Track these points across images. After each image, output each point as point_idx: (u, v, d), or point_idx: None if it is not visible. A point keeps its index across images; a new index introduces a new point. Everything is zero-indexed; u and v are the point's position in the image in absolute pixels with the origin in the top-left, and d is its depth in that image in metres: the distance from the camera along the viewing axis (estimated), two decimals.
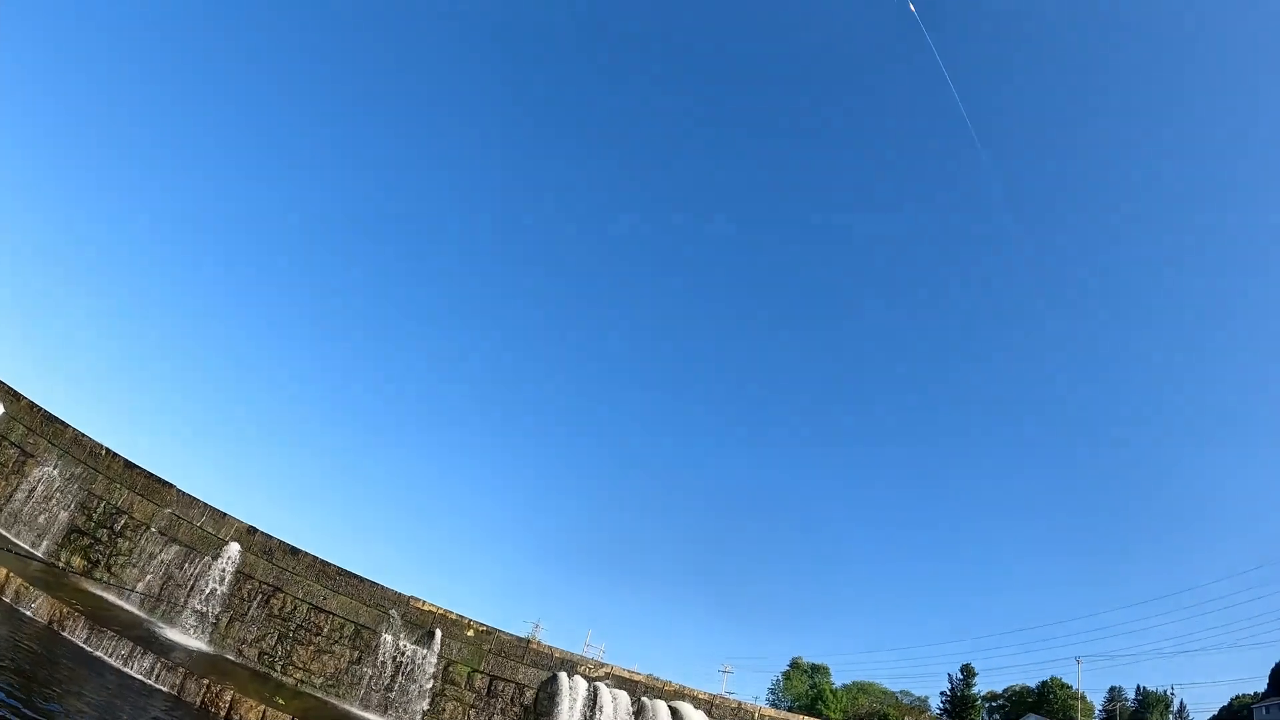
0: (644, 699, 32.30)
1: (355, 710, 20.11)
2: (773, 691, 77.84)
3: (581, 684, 29.89)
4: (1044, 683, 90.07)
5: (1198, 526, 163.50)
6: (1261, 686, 79.68)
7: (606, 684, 31.39)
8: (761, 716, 36.95)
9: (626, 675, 33.36)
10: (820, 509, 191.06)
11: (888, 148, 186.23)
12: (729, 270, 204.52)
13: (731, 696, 41.56)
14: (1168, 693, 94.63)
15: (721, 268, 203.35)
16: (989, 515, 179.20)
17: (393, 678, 20.97)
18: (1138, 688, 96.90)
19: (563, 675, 29.37)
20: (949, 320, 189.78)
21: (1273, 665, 79.43)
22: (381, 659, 21.13)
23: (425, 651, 22.45)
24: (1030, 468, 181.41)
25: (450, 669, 23.38)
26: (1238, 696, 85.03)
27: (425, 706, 21.34)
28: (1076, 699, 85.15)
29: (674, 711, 32.66)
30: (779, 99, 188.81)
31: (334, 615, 21.14)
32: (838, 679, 79.01)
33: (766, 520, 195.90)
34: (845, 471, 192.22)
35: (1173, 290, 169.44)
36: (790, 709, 57.33)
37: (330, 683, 20.34)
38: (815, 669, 78.84)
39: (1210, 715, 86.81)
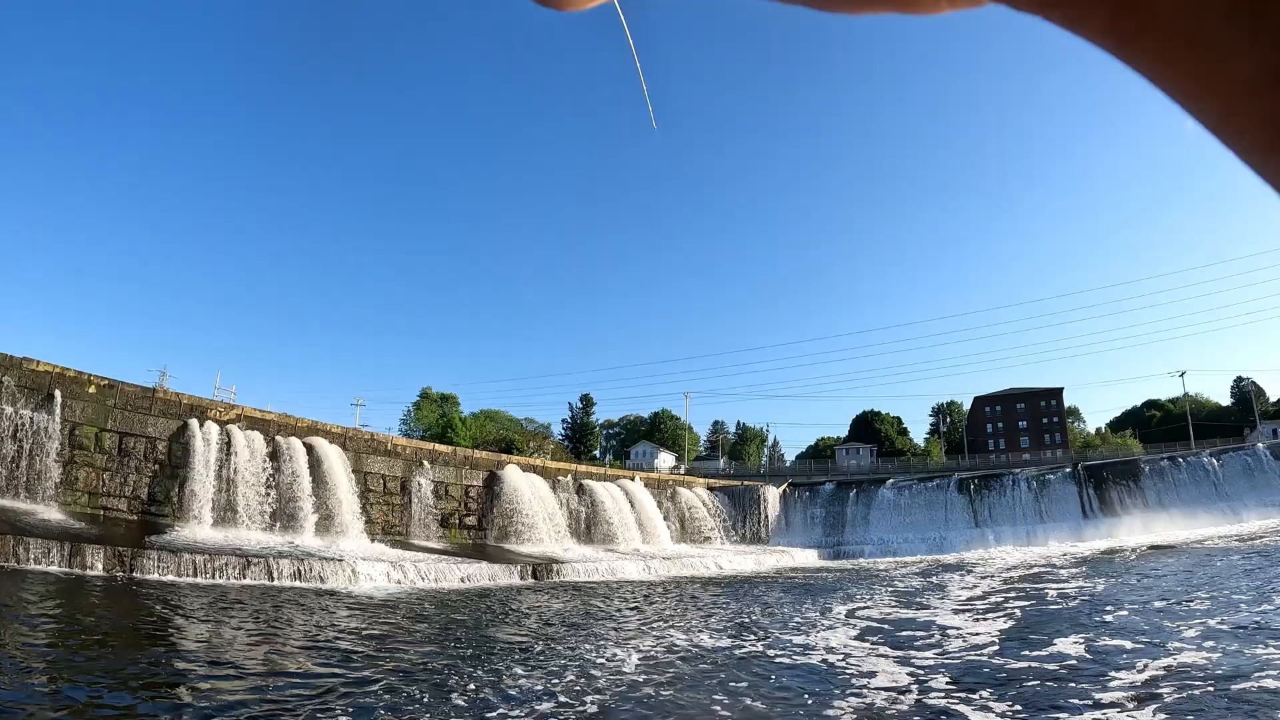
0: (278, 438, 37.55)
1: None
2: (404, 422, 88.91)
3: (214, 429, 33.86)
4: (655, 414, 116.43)
5: (797, 291, 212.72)
6: (844, 432, 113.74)
7: (239, 426, 35.75)
8: (394, 446, 45.12)
9: (259, 415, 37.99)
10: (438, 236, 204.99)
11: None
12: None
13: (365, 429, 48.86)
14: (764, 429, 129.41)
15: None
16: (604, 254, 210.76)
17: (17, 453, 22.41)
18: (738, 423, 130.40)
19: (194, 423, 32.98)
20: None
21: (853, 416, 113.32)
22: (3, 433, 22.23)
23: (47, 417, 23.91)
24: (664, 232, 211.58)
25: (77, 432, 25.33)
26: (823, 438, 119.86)
27: (57, 478, 23.45)
28: (685, 429, 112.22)
29: (309, 448, 38.60)
30: None
31: None
32: (466, 408, 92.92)
33: (386, 244, 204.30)
34: (461, 201, 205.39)
35: None
36: (422, 438, 67.69)
37: None
38: (445, 399, 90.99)
39: (799, 452, 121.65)
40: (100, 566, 22.26)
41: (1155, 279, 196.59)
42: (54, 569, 20.97)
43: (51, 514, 23.98)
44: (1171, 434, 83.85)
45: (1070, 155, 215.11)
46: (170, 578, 23.83)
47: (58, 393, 25.11)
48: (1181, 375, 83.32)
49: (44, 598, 18.35)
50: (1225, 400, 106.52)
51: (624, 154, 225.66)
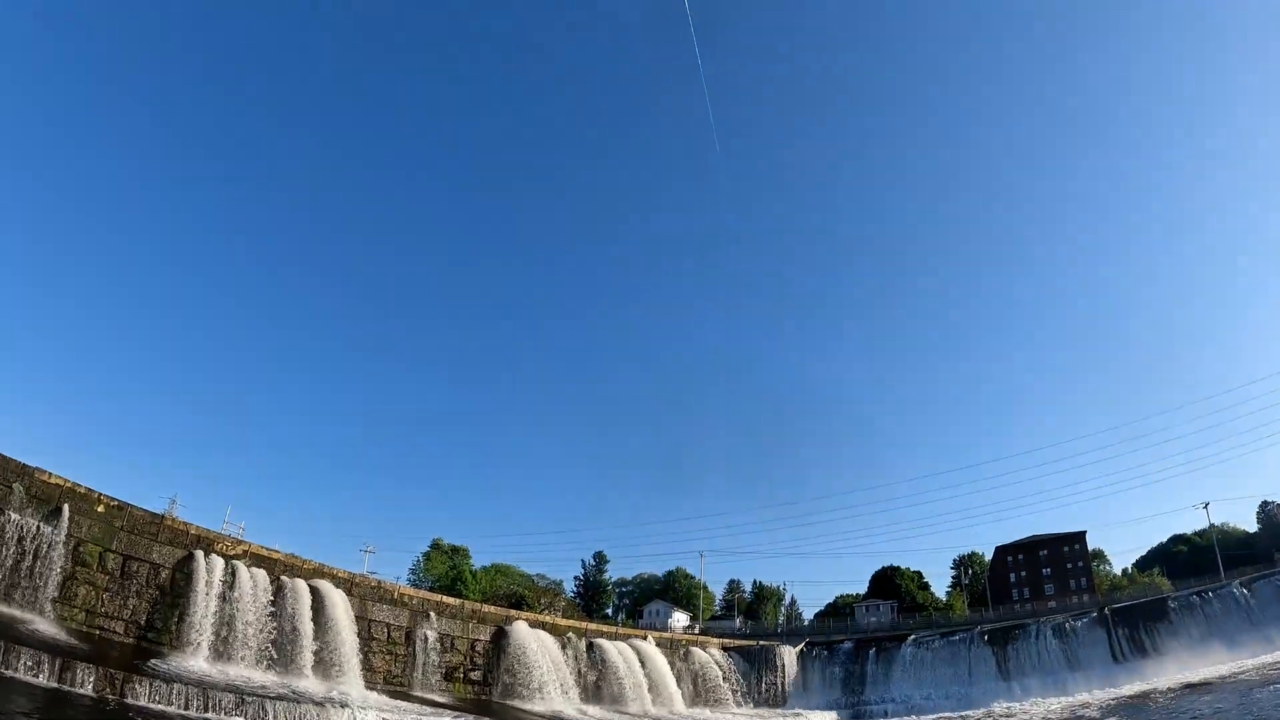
0: (284, 578, 37.05)
1: None
2: (414, 572, 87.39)
3: (219, 563, 33.52)
4: (670, 572, 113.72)
5: (812, 451, 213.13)
6: (863, 589, 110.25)
7: (245, 563, 35.40)
8: (401, 595, 44.17)
9: (265, 554, 37.67)
10: (454, 386, 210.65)
11: None
12: None
13: (373, 575, 48.07)
14: (781, 588, 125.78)
15: None
16: (619, 410, 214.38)
17: (19, 561, 22.34)
18: (754, 582, 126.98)
19: (199, 554, 32.73)
20: None
21: (873, 573, 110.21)
22: (6, 541, 22.31)
23: (53, 530, 24.02)
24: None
25: (81, 549, 25.30)
26: (842, 596, 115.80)
27: (56, 592, 23.19)
28: (699, 588, 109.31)
29: (314, 591, 37.93)
30: None
31: None
32: (477, 561, 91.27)
33: (406, 392, 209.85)
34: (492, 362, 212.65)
35: None
36: (431, 589, 66.21)
37: None
38: (455, 550, 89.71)
39: (818, 610, 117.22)
40: (90, 686, 21.65)
41: (1170, 413, 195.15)
42: (42, 682, 20.41)
43: (46, 626, 23.54)
44: (1200, 567, 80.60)
45: (1076, 291, 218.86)
46: (160, 706, 23.09)
47: (66, 507, 25.29)
48: (1205, 506, 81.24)
49: (28, 712, 17.86)
50: (1252, 527, 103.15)
51: (636, 302, 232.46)
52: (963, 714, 49.42)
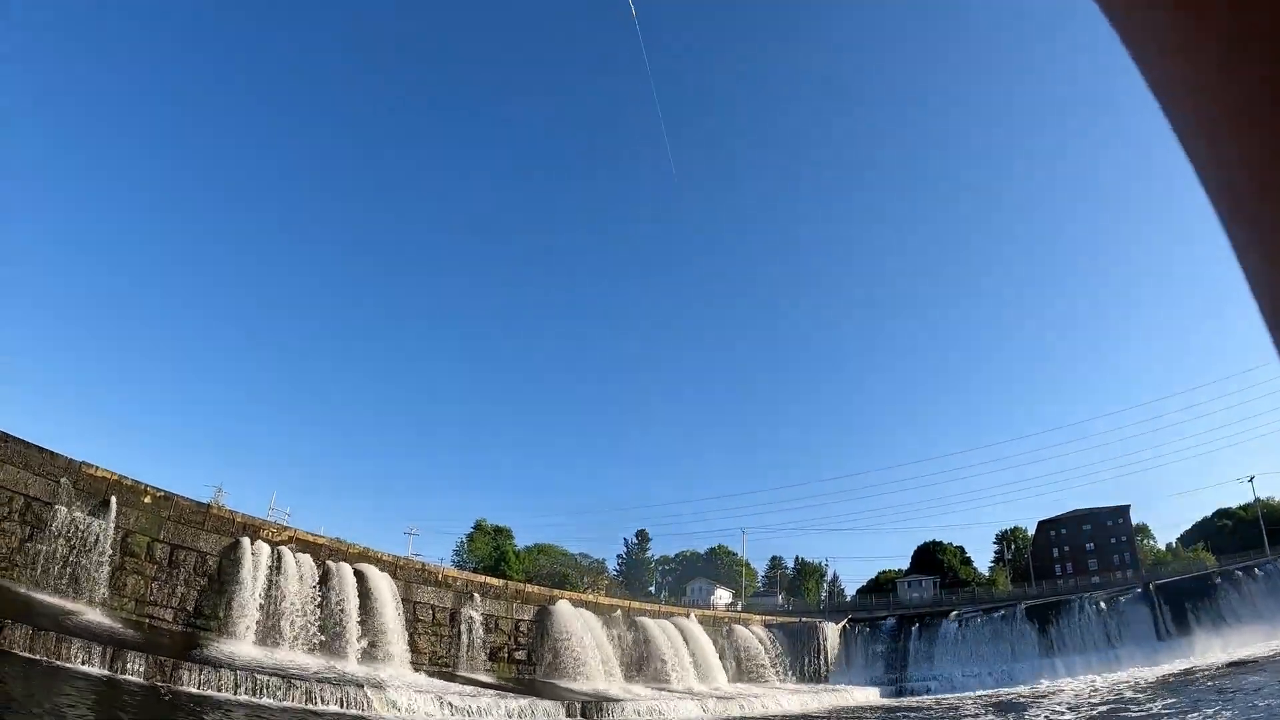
0: (329, 562, 37.68)
1: (32, 593, 22.31)
2: (457, 553, 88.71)
3: (265, 549, 34.22)
4: (712, 549, 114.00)
5: (851, 424, 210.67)
6: (905, 565, 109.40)
7: (290, 548, 36.07)
8: (445, 577, 44.74)
9: (310, 539, 38.33)
10: (496, 370, 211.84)
11: None
12: None
13: (417, 558, 48.81)
14: (822, 564, 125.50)
15: None
16: (664, 387, 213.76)
17: (69, 554, 23.14)
18: (796, 558, 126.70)
19: (245, 541, 33.43)
20: None
21: (915, 547, 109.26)
22: (56, 534, 23.10)
23: (101, 522, 24.80)
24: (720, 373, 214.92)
25: (129, 540, 26.07)
26: (884, 571, 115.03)
27: (106, 582, 24.01)
28: (741, 565, 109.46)
29: (359, 574, 38.60)
30: None
31: (2, 487, 22.45)
32: (520, 541, 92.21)
33: (450, 379, 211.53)
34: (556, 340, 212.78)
35: None
36: (475, 570, 67.09)
37: (2, 564, 22.10)
38: (499, 531, 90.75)
39: (860, 586, 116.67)
40: (141, 673, 22.26)
41: (1215, 384, 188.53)
42: (93, 670, 21.05)
43: (96, 616, 24.34)
44: (1246, 542, 78.18)
45: (1116, 263, 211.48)
46: (210, 692, 23.64)
47: (113, 500, 26.05)
48: (1250, 480, 78.93)
49: (81, 700, 18.41)
50: None
51: (681, 283, 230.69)
52: (1006, 690, 48.74)
